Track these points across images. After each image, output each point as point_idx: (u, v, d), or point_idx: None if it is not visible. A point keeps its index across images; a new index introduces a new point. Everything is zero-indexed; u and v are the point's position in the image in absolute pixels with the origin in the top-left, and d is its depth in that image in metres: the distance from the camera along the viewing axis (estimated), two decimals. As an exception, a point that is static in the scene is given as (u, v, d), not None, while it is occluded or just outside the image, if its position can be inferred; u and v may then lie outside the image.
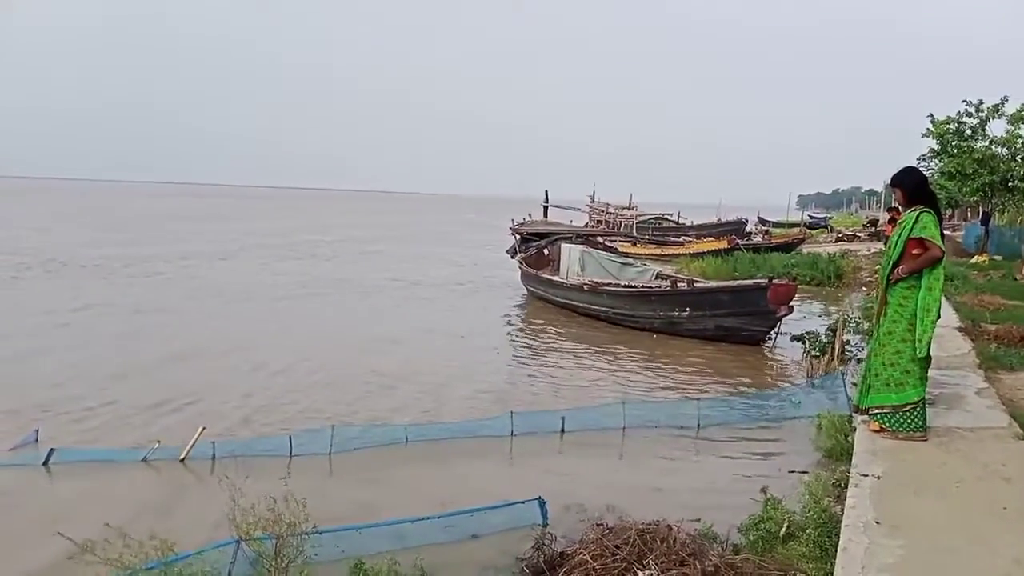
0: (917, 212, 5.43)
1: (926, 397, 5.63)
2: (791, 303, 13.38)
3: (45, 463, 6.90)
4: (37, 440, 7.34)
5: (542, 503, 5.62)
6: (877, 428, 5.58)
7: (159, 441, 7.26)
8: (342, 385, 10.11)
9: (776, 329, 13.33)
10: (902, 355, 5.43)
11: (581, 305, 16.37)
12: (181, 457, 7.04)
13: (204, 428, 7.26)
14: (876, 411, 5.56)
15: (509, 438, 7.86)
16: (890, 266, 5.54)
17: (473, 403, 9.34)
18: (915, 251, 5.39)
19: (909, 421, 5.43)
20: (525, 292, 19.95)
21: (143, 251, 28.36)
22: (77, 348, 12.04)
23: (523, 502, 5.60)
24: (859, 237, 40.48)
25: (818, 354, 10.88)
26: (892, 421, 5.48)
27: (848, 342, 11.11)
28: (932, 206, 5.50)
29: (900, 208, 5.80)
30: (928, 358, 5.47)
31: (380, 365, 11.34)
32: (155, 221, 51.63)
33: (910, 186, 5.57)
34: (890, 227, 17.32)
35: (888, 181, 5.84)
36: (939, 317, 5.52)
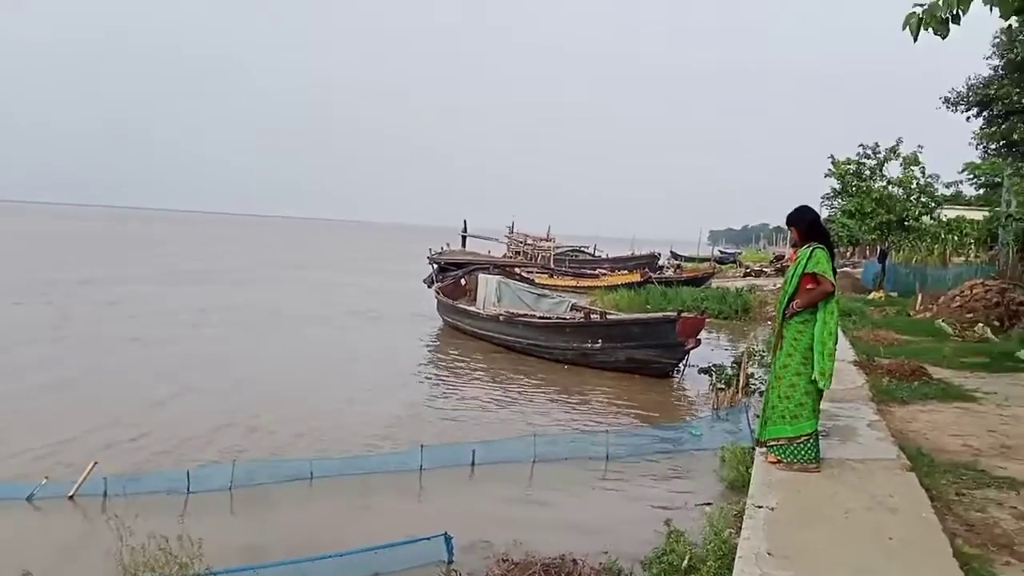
0: (811, 248, 5.68)
1: (819, 429, 5.84)
2: (699, 336, 13.72)
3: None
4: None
5: (448, 539, 5.56)
6: (774, 460, 5.75)
7: (46, 477, 6.88)
8: (247, 417, 9.81)
9: (685, 361, 13.62)
10: (796, 388, 5.63)
11: (497, 336, 16.40)
12: (70, 494, 6.69)
13: (96, 463, 6.92)
14: (772, 443, 5.74)
15: (418, 472, 7.76)
16: (786, 300, 5.75)
17: (383, 436, 9.21)
18: (809, 286, 5.62)
19: (803, 452, 5.62)
20: (441, 322, 19.86)
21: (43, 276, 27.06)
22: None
23: (428, 538, 5.52)
24: (766, 272, 41.95)
25: (724, 387, 11.17)
26: (787, 452, 5.66)
27: (753, 375, 11.44)
28: (825, 243, 5.75)
29: (795, 245, 6.04)
30: (820, 391, 5.68)
31: (288, 397, 11.09)
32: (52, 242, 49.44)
33: (804, 224, 5.82)
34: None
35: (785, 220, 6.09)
36: (836, 350, 5.75)
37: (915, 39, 5.80)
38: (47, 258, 36.05)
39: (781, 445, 5.67)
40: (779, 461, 5.70)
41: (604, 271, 36.65)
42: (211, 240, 73.56)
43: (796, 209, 5.91)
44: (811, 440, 5.63)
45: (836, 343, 5.68)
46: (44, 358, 13.11)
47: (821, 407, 6.80)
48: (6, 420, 9.17)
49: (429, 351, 16.72)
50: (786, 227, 6.22)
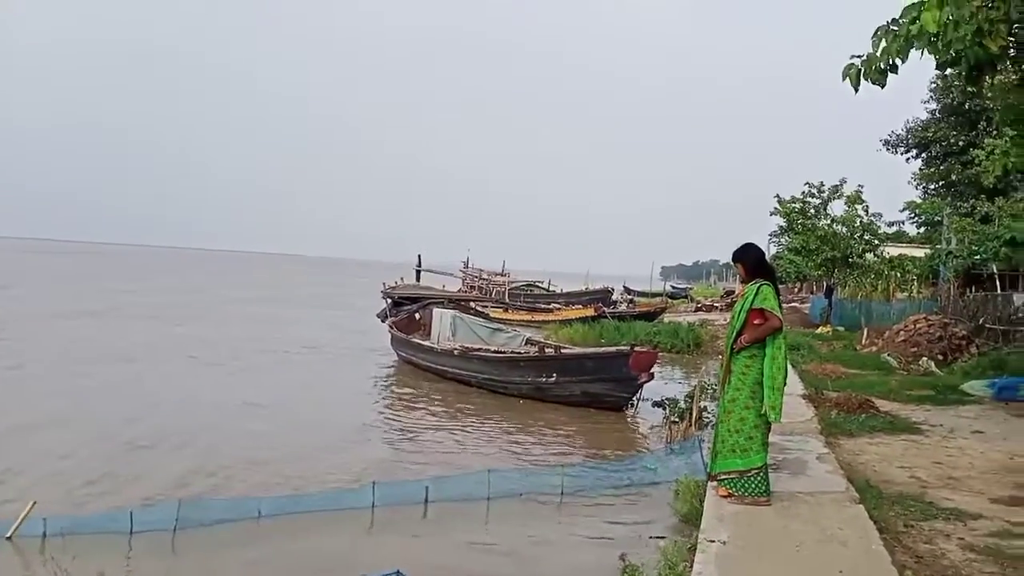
0: (758, 284, 5.78)
1: (770, 462, 5.90)
2: (652, 370, 13.81)
3: None
4: None
5: (400, 577, 5.45)
6: (725, 493, 5.79)
7: (-17, 518, 6.60)
8: (195, 455, 9.57)
9: (638, 395, 13.69)
10: (745, 422, 5.69)
11: (451, 370, 16.30)
12: (8, 535, 6.42)
13: (35, 503, 6.66)
14: (724, 476, 5.78)
15: (370, 510, 7.63)
16: (734, 335, 5.83)
17: (335, 473, 9.03)
18: (756, 321, 5.71)
19: (754, 486, 5.67)
20: (395, 357, 19.69)
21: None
22: None
23: (381, 576, 5.41)
24: (716, 307, 42.47)
25: (677, 420, 11.24)
26: (738, 486, 5.70)
27: (705, 408, 11.54)
28: (770, 279, 5.87)
29: (742, 281, 6.16)
30: (769, 424, 5.75)
31: (238, 434, 10.85)
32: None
33: (751, 261, 5.94)
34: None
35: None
36: (785, 384, 5.84)
37: (856, 90, 6.02)
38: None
39: (732, 479, 5.72)
40: (730, 495, 5.74)
41: (558, 305, 36.79)
42: (142, 273, 72.13)
43: (741, 246, 6.03)
44: (761, 473, 5.68)
45: (786, 377, 5.77)
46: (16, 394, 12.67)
47: (771, 440, 6.87)
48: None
49: (382, 387, 16.53)
50: (732, 264, 6.34)
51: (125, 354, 18.11)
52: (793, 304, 41.14)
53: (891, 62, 5.79)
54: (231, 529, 6.99)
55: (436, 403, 14.19)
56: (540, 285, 51.78)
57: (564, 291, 47.90)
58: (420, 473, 9.04)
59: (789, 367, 12.57)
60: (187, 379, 15.53)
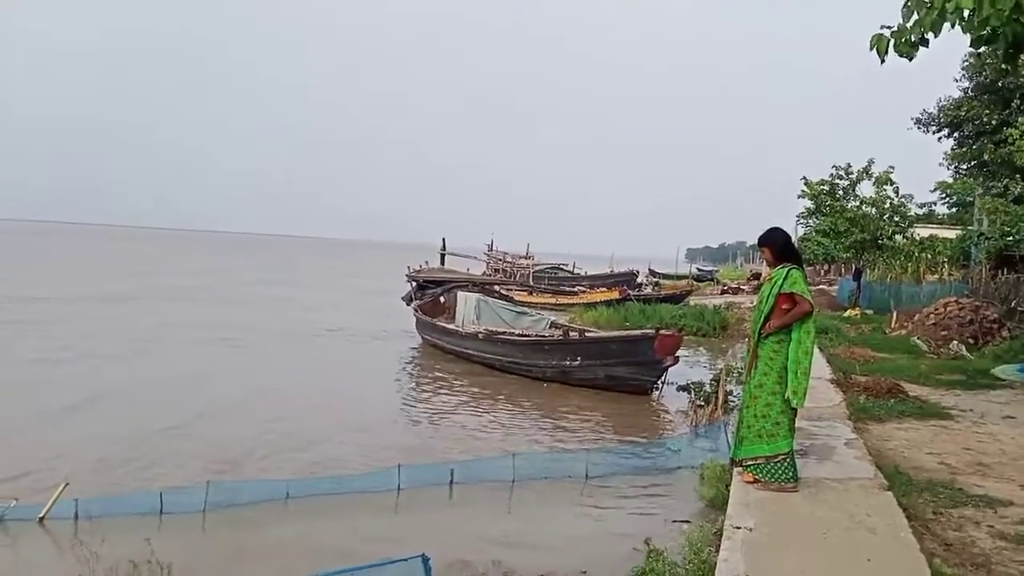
0: (786, 268, 5.69)
1: (797, 448, 5.85)
2: (677, 353, 13.75)
3: None
4: None
5: (425, 560, 5.47)
6: (751, 479, 5.75)
7: (16, 499, 6.73)
8: (226, 437, 9.70)
9: (663, 379, 13.65)
10: (772, 407, 5.63)
11: (476, 354, 16.35)
12: (40, 516, 6.55)
13: (67, 484, 6.78)
14: (750, 462, 5.73)
15: (395, 492, 7.68)
16: (761, 320, 5.76)
17: (361, 455, 9.11)
18: (785, 306, 5.63)
19: (781, 471, 5.62)
20: (420, 340, 19.77)
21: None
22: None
23: (406, 559, 5.43)
24: (743, 290, 42.20)
25: (702, 404, 11.19)
26: (764, 472, 5.65)
27: (731, 392, 11.47)
28: (798, 263, 5.79)
29: (769, 266, 6.08)
30: (794, 410, 5.68)
31: (267, 416, 10.96)
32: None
33: (778, 245, 5.85)
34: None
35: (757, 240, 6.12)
36: (810, 368, 5.77)
37: (882, 61, 5.88)
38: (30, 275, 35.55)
39: (759, 464, 5.67)
40: (756, 480, 5.70)
41: (583, 288, 36.69)
42: (161, 256, 72.88)
43: (767, 231, 5.94)
44: (788, 459, 5.63)
45: (811, 362, 5.70)
46: (28, 377, 12.90)
47: (798, 425, 6.81)
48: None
49: (407, 370, 16.63)
50: (759, 248, 6.26)
51: (156, 337, 18.37)
52: (820, 287, 40.70)
53: (922, 36, 5.66)
54: (259, 510, 7.09)
55: (460, 386, 14.25)
56: (565, 268, 51.64)
57: (589, 274, 47.75)
58: (445, 456, 9.09)
59: (817, 351, 12.45)
60: (217, 362, 15.70)
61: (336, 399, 12.66)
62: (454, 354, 17.22)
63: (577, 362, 14.05)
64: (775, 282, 5.72)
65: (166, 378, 13.56)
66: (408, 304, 21.22)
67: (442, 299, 20.64)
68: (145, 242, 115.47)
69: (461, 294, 19.17)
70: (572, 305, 30.14)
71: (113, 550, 4.70)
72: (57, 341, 16.82)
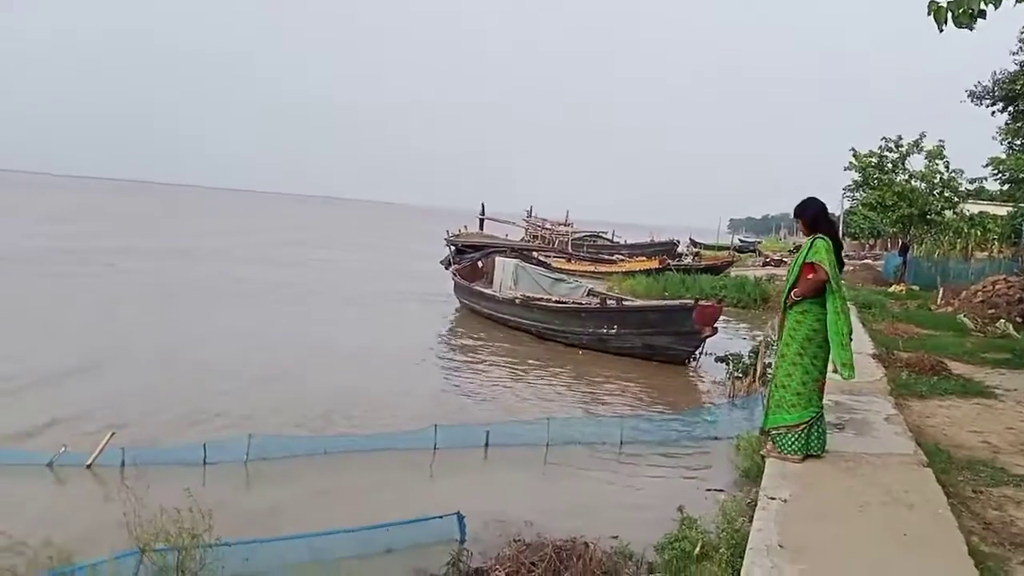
0: (812, 239, 5.68)
1: (835, 421, 5.80)
2: (716, 324, 13.65)
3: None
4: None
5: (460, 518, 5.58)
6: (770, 448, 5.76)
7: (65, 446, 6.96)
8: (265, 393, 9.91)
9: (701, 349, 13.57)
10: (792, 377, 5.61)
11: (512, 319, 16.40)
12: (88, 463, 6.78)
13: (113, 433, 7.00)
14: (773, 431, 5.72)
15: (431, 451, 7.80)
16: (787, 290, 5.77)
17: (398, 415, 9.22)
18: (809, 276, 5.60)
19: (791, 442, 5.59)
20: (457, 304, 19.89)
21: (85, 244, 27.32)
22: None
23: (440, 517, 5.55)
24: (785, 262, 41.62)
25: (740, 375, 11.13)
26: (781, 441, 5.64)
27: (770, 364, 11.38)
28: (830, 234, 5.74)
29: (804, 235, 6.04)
30: (817, 380, 5.63)
31: (306, 373, 11.17)
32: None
33: (810, 215, 5.81)
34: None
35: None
36: (851, 339, 5.72)
37: (940, 29, 5.73)
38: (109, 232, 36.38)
39: (780, 434, 5.66)
40: (776, 450, 5.69)
41: (622, 257, 36.53)
42: (222, 214, 73.88)
43: (801, 202, 5.92)
44: (803, 431, 5.58)
45: (850, 332, 5.64)
46: (83, 325, 13.28)
47: (839, 399, 6.76)
48: (32, 389, 9.31)
49: (445, 333, 16.77)
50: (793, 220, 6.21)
51: (205, 295, 18.73)
52: (866, 261, 40.01)
53: (981, 7, 5.50)
54: (299, 464, 7.25)
55: (497, 351, 14.33)
56: (604, 236, 51.36)
57: (628, 242, 47.45)
58: (480, 418, 9.18)
59: (859, 326, 12.25)
60: (262, 321, 16.00)
61: (373, 359, 12.83)
62: (491, 319, 17.30)
63: (614, 330, 14.03)
64: (802, 252, 5.74)
65: (216, 334, 13.85)
66: (447, 268, 21.32)
67: (480, 264, 20.71)
68: (170, 198, 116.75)
69: (499, 259, 19.19)
70: (610, 273, 30.07)
71: (159, 495, 4.84)
72: (97, 294, 17.25)
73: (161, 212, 68.31)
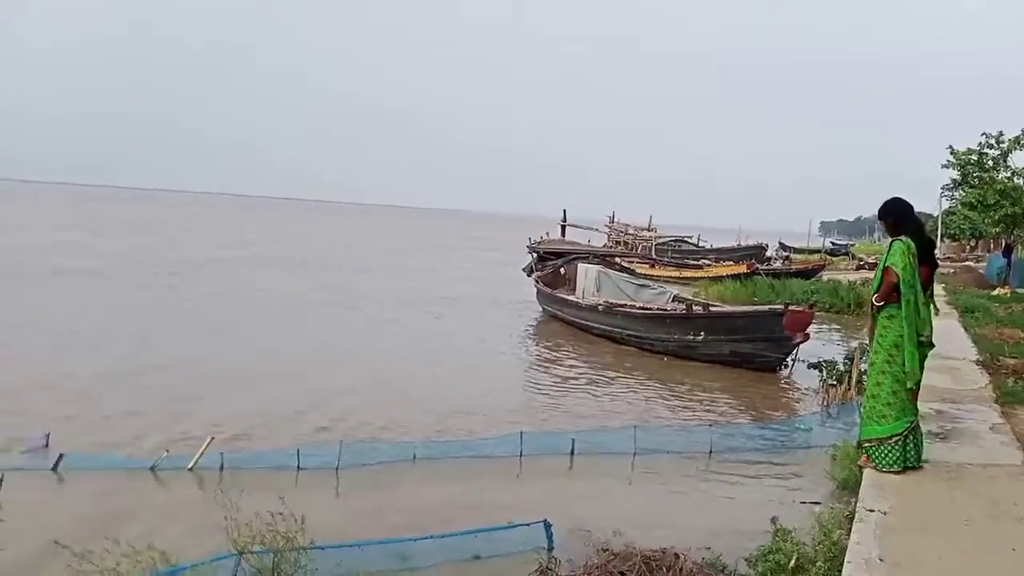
0: (891, 241, 5.48)
1: (936, 431, 5.55)
2: (807, 330, 13.28)
3: (54, 468, 6.94)
4: (47, 444, 7.38)
5: (547, 526, 5.58)
6: (865, 461, 5.54)
7: (167, 450, 7.29)
8: (354, 398, 10.14)
9: (792, 356, 13.22)
10: (881, 387, 5.38)
11: (596, 326, 16.33)
12: (189, 467, 7.07)
13: (213, 438, 7.30)
14: (866, 443, 5.51)
15: (518, 458, 7.83)
16: (871, 295, 5.59)
17: (483, 421, 9.31)
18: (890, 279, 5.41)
19: (886, 455, 5.35)
20: (540, 311, 19.93)
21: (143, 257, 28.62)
22: (95, 349, 12.15)
23: (528, 524, 5.56)
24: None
25: (835, 383, 10.78)
26: (875, 455, 5.41)
27: (865, 371, 10.98)
28: (916, 235, 5.52)
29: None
30: (911, 389, 5.38)
31: (391, 379, 11.38)
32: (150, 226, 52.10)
33: (892, 217, 5.61)
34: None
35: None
36: (931, 343, 5.49)
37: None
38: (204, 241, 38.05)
39: (872, 446, 5.43)
40: (871, 463, 5.47)
41: (708, 262, 35.90)
42: (284, 224, 75.83)
43: (884, 203, 5.72)
44: (898, 443, 5.33)
45: (920, 339, 5.37)
46: (192, 337, 13.91)
47: (940, 408, 6.48)
48: (143, 392, 9.79)
49: (528, 339, 16.82)
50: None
51: (297, 303, 19.34)
52: (967, 263, 38.19)
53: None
54: (388, 469, 7.39)
55: (580, 357, 14.29)
56: (689, 241, 50.58)
57: (714, 247, 46.59)
58: (565, 425, 9.18)
59: (962, 331, 11.71)
60: (349, 326, 16.41)
61: (460, 365, 12.98)
62: (574, 325, 17.27)
63: (701, 337, 13.80)
64: (883, 256, 5.54)
65: (308, 340, 14.27)
66: (529, 275, 21.40)
67: (562, 271, 20.71)
68: (248, 210, 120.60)
69: (582, 266, 19.16)
70: (697, 279, 29.56)
71: (255, 499, 5.01)
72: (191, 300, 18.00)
73: (234, 220, 70.50)
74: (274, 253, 35.92)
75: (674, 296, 17.60)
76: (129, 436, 8.08)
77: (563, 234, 29.08)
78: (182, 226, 55.65)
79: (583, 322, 16.90)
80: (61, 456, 7.04)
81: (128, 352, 12.34)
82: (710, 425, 9.05)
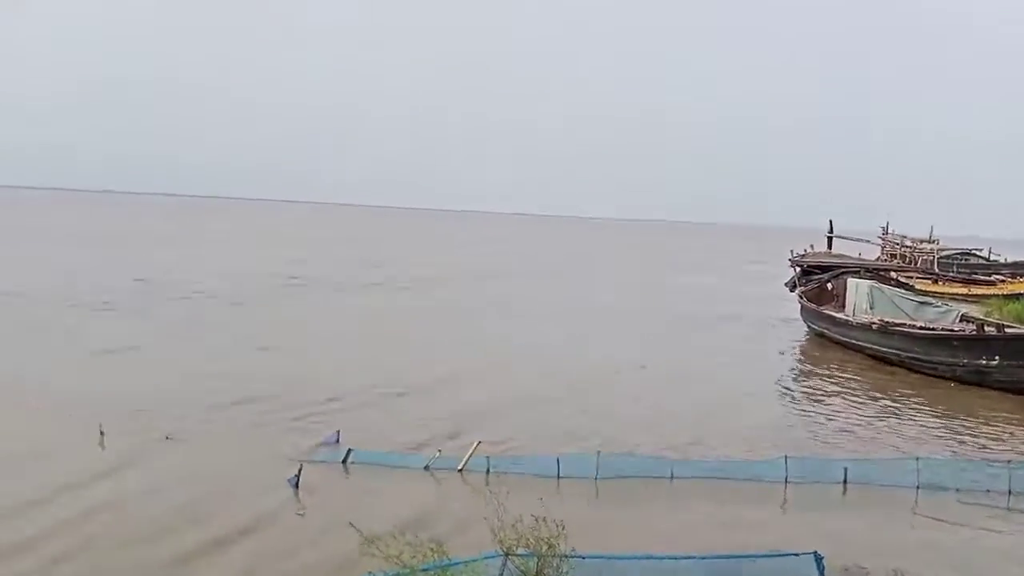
0: None
1: None
2: None
3: (344, 461, 7.71)
4: (338, 440, 8.19)
5: (819, 558, 5.19)
6: None
7: (439, 451, 7.79)
8: (608, 410, 10.24)
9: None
10: None
11: (868, 346, 15.12)
12: (459, 468, 7.51)
13: (479, 442, 7.69)
14: None
15: (783, 484, 7.42)
16: None
17: (741, 442, 8.97)
18: None
19: None
20: (805, 328, 18.83)
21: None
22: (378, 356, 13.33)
23: (797, 554, 5.21)
24: None
25: None
26: None
27: None
28: None
29: None
30: None
31: (647, 393, 11.33)
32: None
33: None
34: None
35: None
36: None
37: None
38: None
39: None
40: None
41: (1002, 277, 32.04)
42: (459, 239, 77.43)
43: None
44: None
45: None
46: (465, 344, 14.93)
47: None
48: (409, 400, 10.59)
49: (792, 358, 15.98)
50: None
51: (521, 312, 19.95)
52: None
53: None
54: (645, 485, 7.35)
55: (850, 380, 13.30)
56: (978, 253, 45.34)
57: (1009, 261, 41.35)
58: (832, 451, 8.60)
59: None
60: (587, 340, 16.64)
61: (719, 384, 12.61)
62: (842, 344, 16.14)
63: (995, 361, 12.26)
64: None
65: (561, 354, 14.68)
66: (791, 291, 20.34)
67: (829, 286, 19.47)
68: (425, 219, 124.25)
69: (852, 280, 17.89)
70: (988, 296, 26.47)
71: (518, 502, 5.17)
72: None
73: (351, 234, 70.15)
74: (539, 268, 37.27)
75: (962, 315, 15.85)
76: (403, 434, 8.75)
77: (829, 246, 27.30)
78: (378, 241, 57.67)
79: (854, 342, 15.72)
80: (350, 451, 7.81)
81: (382, 359, 13.36)
82: (1009, 463, 7.95)
